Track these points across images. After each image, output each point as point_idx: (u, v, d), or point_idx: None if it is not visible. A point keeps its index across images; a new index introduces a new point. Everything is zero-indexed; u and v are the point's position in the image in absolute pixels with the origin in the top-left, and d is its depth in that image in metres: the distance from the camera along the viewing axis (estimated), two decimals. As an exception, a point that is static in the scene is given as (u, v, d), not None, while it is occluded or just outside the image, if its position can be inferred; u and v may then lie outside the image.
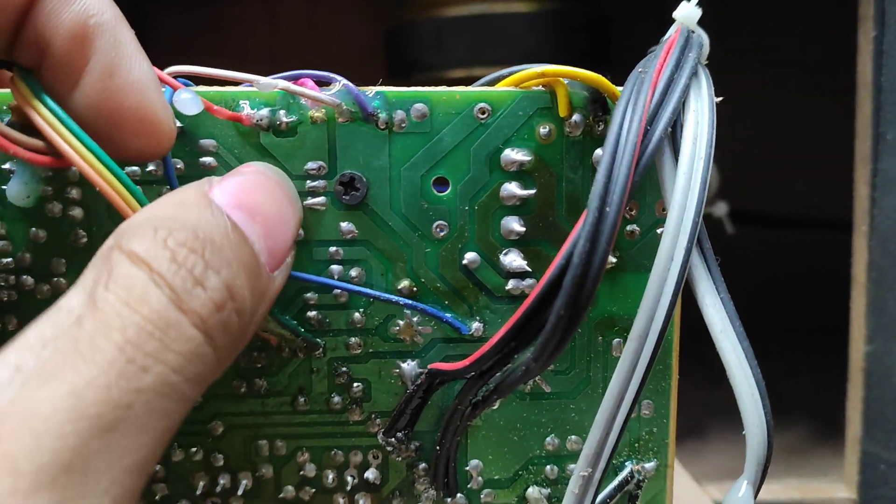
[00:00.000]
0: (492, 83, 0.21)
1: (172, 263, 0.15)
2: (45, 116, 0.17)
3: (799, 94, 0.47)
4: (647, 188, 0.21)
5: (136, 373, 0.14)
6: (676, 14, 0.22)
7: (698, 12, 0.22)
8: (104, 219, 0.21)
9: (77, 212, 0.20)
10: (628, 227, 0.21)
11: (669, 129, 0.19)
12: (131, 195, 0.18)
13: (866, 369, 0.30)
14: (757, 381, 0.18)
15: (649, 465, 0.22)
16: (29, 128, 0.18)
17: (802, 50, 0.48)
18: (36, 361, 0.14)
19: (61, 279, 0.21)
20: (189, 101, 0.19)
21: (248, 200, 0.18)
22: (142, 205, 0.18)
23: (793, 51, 0.48)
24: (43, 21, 0.17)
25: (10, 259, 0.21)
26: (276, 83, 0.20)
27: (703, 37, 0.21)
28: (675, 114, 0.19)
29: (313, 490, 0.22)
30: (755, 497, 0.18)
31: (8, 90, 0.19)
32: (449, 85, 0.44)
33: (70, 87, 0.18)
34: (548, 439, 0.22)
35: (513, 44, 0.43)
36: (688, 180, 0.19)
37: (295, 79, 0.20)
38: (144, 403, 0.14)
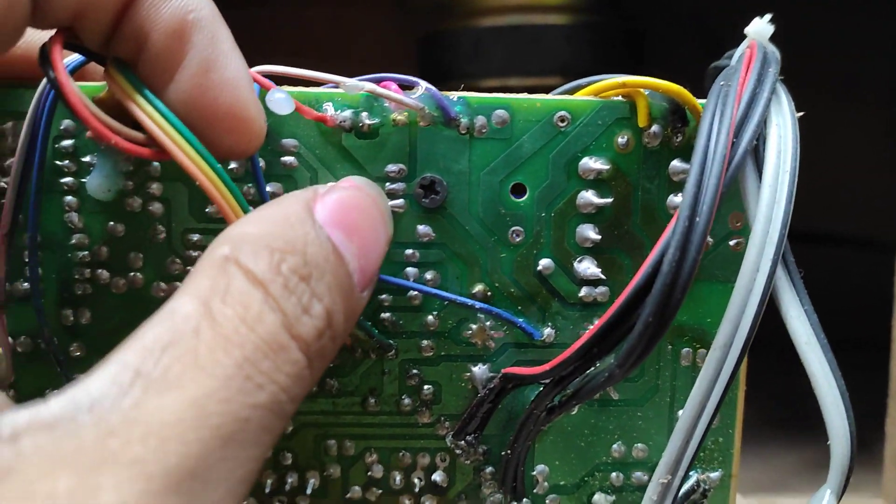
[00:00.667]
0: (571, 92, 0.22)
1: (285, 290, 0.15)
2: (147, 110, 0.17)
3: (846, 112, 0.48)
4: (721, 200, 0.21)
5: (252, 390, 0.14)
6: (749, 30, 0.22)
7: (771, 28, 0.22)
8: (184, 215, 0.21)
9: (157, 207, 0.20)
10: (704, 241, 0.21)
11: (754, 143, 0.19)
12: (230, 192, 0.18)
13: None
14: (841, 392, 0.18)
15: (714, 475, 0.22)
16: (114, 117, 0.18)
17: (851, 67, 0.48)
18: (156, 368, 0.14)
19: (137, 274, 0.21)
20: (283, 101, 0.19)
21: (347, 219, 0.18)
22: (238, 200, 0.18)
23: (840, 67, 0.48)
24: (143, 15, 0.17)
25: (86, 252, 0.21)
26: (362, 85, 0.20)
27: (777, 53, 0.22)
28: (760, 127, 0.19)
29: (380, 491, 0.22)
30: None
31: (97, 83, 0.19)
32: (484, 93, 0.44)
33: (165, 81, 0.18)
34: (614, 446, 0.22)
35: (549, 55, 0.43)
36: (773, 193, 0.19)
37: (378, 81, 0.20)
38: (259, 419, 0.14)
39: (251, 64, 0.20)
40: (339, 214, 0.18)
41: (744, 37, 0.22)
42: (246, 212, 0.18)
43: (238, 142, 0.18)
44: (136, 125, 0.18)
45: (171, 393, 0.13)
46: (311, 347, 0.16)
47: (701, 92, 0.21)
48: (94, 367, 0.14)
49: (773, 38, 0.24)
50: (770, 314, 0.19)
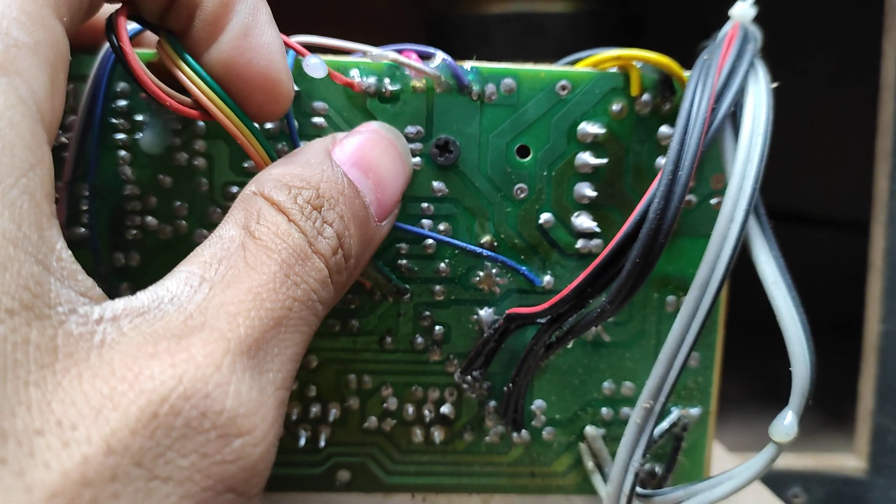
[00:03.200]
0: (572, 63, 0.24)
1: (302, 215, 0.19)
2: (190, 76, 0.20)
3: (818, 94, 0.50)
4: (704, 162, 0.24)
5: (292, 285, 0.18)
6: (732, 11, 0.25)
7: (753, 11, 0.25)
8: (225, 169, 0.23)
9: (201, 161, 0.23)
10: (686, 197, 0.24)
11: (732, 109, 0.22)
12: (262, 147, 0.21)
13: (880, 347, 0.33)
14: (803, 326, 0.21)
15: (694, 411, 0.25)
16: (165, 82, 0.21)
17: (823, 49, 0.51)
18: (216, 273, 0.17)
19: (182, 221, 0.23)
20: (317, 65, 0.22)
21: (363, 158, 0.21)
22: (270, 156, 0.21)
23: (813, 50, 0.51)
24: None
25: (137, 201, 0.23)
26: (386, 54, 0.22)
27: (757, 32, 0.24)
28: (738, 95, 0.22)
29: (394, 422, 0.25)
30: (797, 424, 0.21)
31: (150, 51, 0.22)
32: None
33: (210, 43, 0.20)
34: (605, 384, 0.25)
35: (552, 41, 0.46)
36: (747, 152, 0.21)
37: (400, 51, 0.23)
38: (299, 309, 0.18)
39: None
40: (355, 155, 0.20)
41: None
42: (273, 160, 0.21)
43: (267, 101, 0.20)
44: (184, 90, 0.20)
45: (232, 287, 0.17)
46: (329, 261, 0.19)
47: (687, 65, 0.23)
48: (166, 276, 0.17)
49: (757, 21, 0.27)
50: (750, 302, 0.21)
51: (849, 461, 0.35)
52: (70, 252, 0.16)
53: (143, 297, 0.16)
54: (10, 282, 0.14)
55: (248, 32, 0.20)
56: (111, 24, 0.20)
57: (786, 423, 0.20)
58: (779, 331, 0.21)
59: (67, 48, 0.18)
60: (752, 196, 0.21)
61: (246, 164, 0.23)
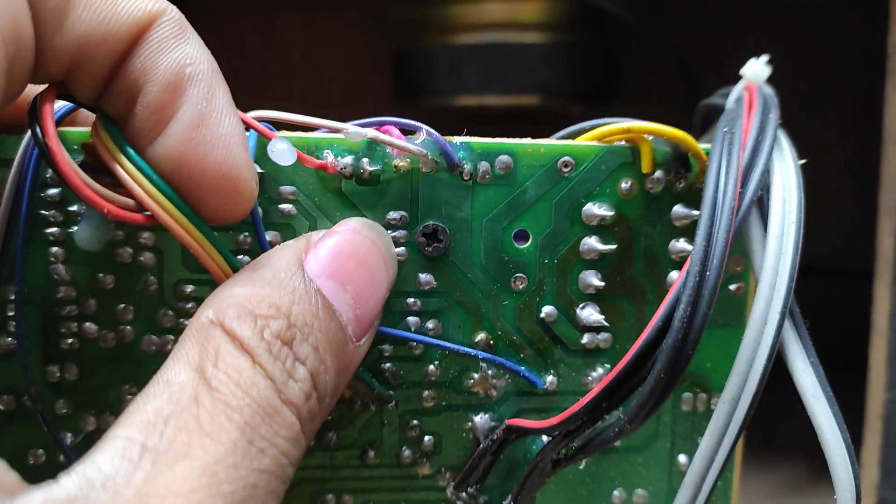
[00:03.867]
0: (572, 136, 0.21)
1: (270, 356, 0.16)
2: (132, 173, 0.17)
3: (823, 145, 0.49)
4: (726, 247, 0.21)
5: (256, 454, 0.15)
6: (745, 71, 0.22)
7: (768, 70, 0.22)
8: (177, 265, 0.20)
9: (148, 257, 0.20)
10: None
11: (759, 193, 0.19)
12: (220, 255, 0.17)
13: (885, 416, 0.31)
14: (847, 446, 0.18)
15: (713, 525, 0.22)
16: (100, 169, 0.17)
17: (826, 98, 0.49)
18: (161, 440, 0.14)
19: (128, 327, 0.20)
20: (285, 151, 0.18)
21: (342, 268, 0.18)
22: (230, 264, 0.18)
23: (816, 99, 0.49)
24: (138, 68, 0.17)
25: (73, 305, 0.20)
26: (364, 132, 0.19)
27: (774, 96, 0.22)
28: (765, 176, 0.19)
29: (379, 545, 0.22)
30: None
31: (84, 129, 0.19)
32: (459, 111, 0.44)
33: (155, 134, 0.17)
34: (615, 493, 0.22)
35: (526, 73, 0.43)
36: (779, 244, 0.19)
37: (379, 126, 0.20)
38: (266, 483, 0.15)
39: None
40: (332, 264, 0.18)
41: (705, 60, 0.22)
42: (233, 266, 0.18)
43: (226, 202, 0.17)
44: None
45: (182, 463, 0.14)
46: (301, 411, 0.16)
47: (677, 113, 0.21)
48: (96, 445, 0.14)
49: (742, 51, 0.25)
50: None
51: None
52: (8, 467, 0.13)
53: (68, 483, 0.13)
54: None
55: (202, 122, 0.17)
56: (34, 112, 0.16)
57: (833, 558, 0.18)
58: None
59: None
60: (788, 295, 0.18)
61: (202, 259, 0.20)
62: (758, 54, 0.23)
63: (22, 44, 0.15)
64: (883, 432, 0.32)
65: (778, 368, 0.19)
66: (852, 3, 0.37)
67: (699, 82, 0.44)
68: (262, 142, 0.19)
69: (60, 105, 0.19)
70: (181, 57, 0.17)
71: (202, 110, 0.17)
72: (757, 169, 0.19)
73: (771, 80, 0.22)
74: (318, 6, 0.53)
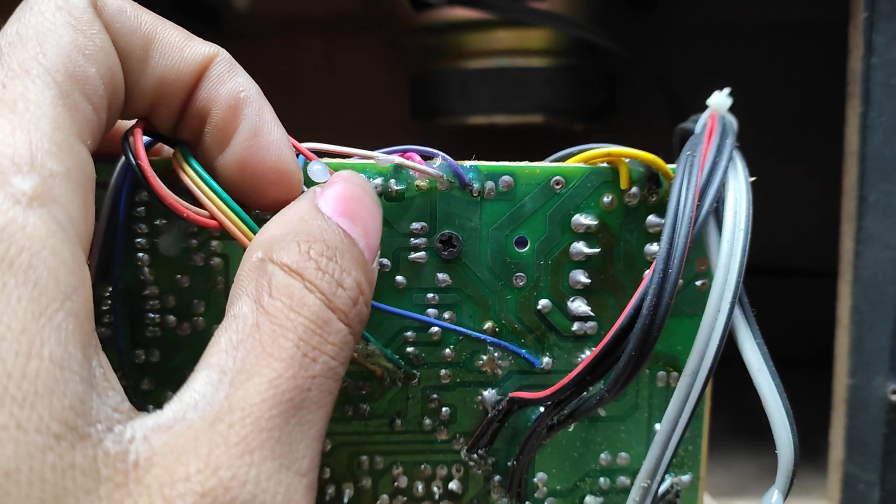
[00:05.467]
0: (563, 159, 0.26)
1: (318, 271, 0.19)
2: (204, 190, 0.21)
3: (785, 154, 0.53)
4: (689, 251, 0.25)
5: (309, 363, 0.18)
6: (710, 101, 0.27)
7: (729, 101, 0.27)
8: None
9: (216, 261, 0.24)
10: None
11: (714, 205, 0.23)
12: None
13: (848, 400, 0.35)
14: (786, 410, 0.22)
15: (685, 478, 0.26)
16: (179, 188, 0.22)
17: (790, 108, 0.53)
18: (234, 363, 0.17)
19: (200, 318, 0.24)
20: (320, 171, 0.23)
21: (348, 208, 0.21)
22: None
23: (781, 109, 0.53)
24: (204, 98, 0.21)
25: (156, 301, 0.24)
26: (391, 159, 0.24)
27: (734, 123, 0.26)
28: (720, 191, 0.24)
29: (405, 499, 0.26)
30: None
31: (163, 158, 0.23)
32: (470, 129, 0.48)
33: (223, 146, 0.21)
34: (602, 455, 0.26)
35: (531, 95, 0.47)
36: (730, 247, 0.23)
37: (403, 153, 0.24)
38: (318, 385, 0.18)
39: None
40: (340, 205, 0.21)
41: (694, 82, 0.26)
42: None
43: (282, 192, 0.22)
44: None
45: (252, 380, 0.17)
46: (349, 315, 0.19)
47: (666, 131, 0.25)
48: (192, 373, 0.18)
49: (726, 79, 0.29)
50: (732, 342, 0.23)
51: (821, 508, 0.37)
52: (106, 368, 0.17)
53: (169, 409, 0.17)
54: (58, 404, 0.15)
55: (258, 133, 0.21)
56: (127, 143, 0.21)
57: (773, 501, 0.22)
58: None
59: (93, 168, 0.19)
60: (737, 288, 0.23)
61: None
62: (741, 76, 0.27)
63: (116, 88, 0.20)
64: (847, 414, 0.35)
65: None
66: (824, 30, 0.41)
67: (685, 103, 0.48)
68: (306, 164, 0.23)
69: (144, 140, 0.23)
70: (235, 86, 0.21)
71: (257, 123, 0.21)
72: (713, 185, 0.23)
73: (750, 100, 0.26)
74: (338, 32, 0.57)
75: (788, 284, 0.52)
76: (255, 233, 0.21)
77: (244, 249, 0.22)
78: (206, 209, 0.21)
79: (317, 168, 0.23)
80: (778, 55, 0.54)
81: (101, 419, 0.16)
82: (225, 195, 0.21)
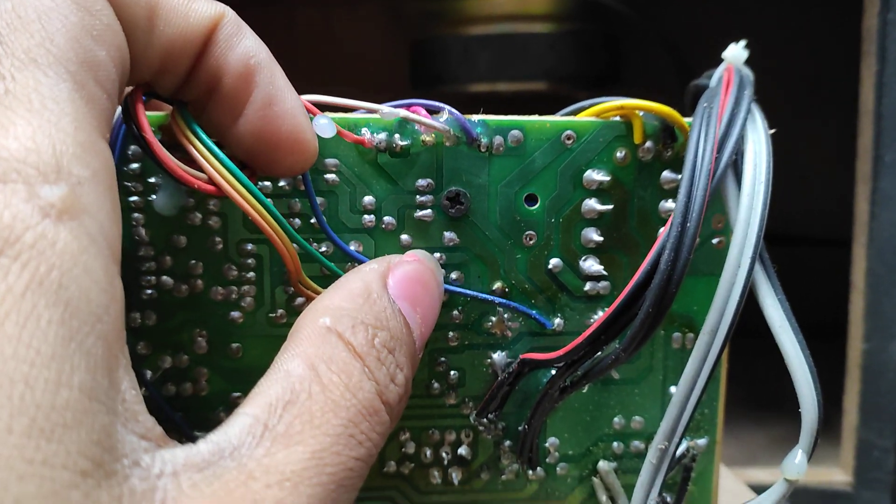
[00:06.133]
0: (575, 112, 0.25)
1: (378, 361, 0.19)
2: (200, 149, 0.20)
3: (797, 116, 0.52)
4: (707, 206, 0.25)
5: (355, 446, 0.17)
6: (726, 55, 0.26)
7: (745, 53, 0.26)
8: (238, 227, 0.23)
9: (214, 220, 0.23)
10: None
11: (734, 158, 0.23)
12: (271, 216, 0.21)
13: (863, 365, 0.35)
14: (810, 367, 0.22)
15: (702, 442, 0.26)
16: (174, 145, 0.21)
17: (801, 69, 0.52)
18: (280, 423, 0.17)
19: (198, 280, 0.23)
20: (326, 125, 0.22)
21: (413, 292, 0.21)
22: (280, 225, 0.21)
23: (795, 72, 0.52)
24: (213, 64, 0.20)
25: (152, 262, 0.23)
26: (397, 112, 0.23)
27: (751, 75, 0.25)
28: (738, 144, 0.23)
29: (413, 465, 0.25)
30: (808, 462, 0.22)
31: (160, 112, 0.22)
32: (472, 97, 0.47)
33: (236, 115, 0.20)
34: (615, 419, 0.26)
35: (534, 61, 0.46)
36: (751, 200, 0.22)
37: (408, 107, 0.23)
38: (359, 469, 0.18)
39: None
40: (406, 288, 0.21)
41: (702, 45, 0.25)
42: (285, 228, 0.21)
43: (297, 160, 0.21)
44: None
45: (296, 447, 0.17)
46: (394, 410, 0.19)
47: (673, 96, 0.24)
48: (228, 419, 0.17)
49: (726, 33, 0.28)
50: (747, 313, 0.22)
51: (836, 475, 0.36)
52: (135, 390, 0.16)
53: (204, 448, 0.16)
54: (85, 438, 0.14)
55: (272, 101, 0.20)
56: (128, 111, 0.20)
57: (796, 461, 0.21)
58: (764, 334, 0.22)
59: (114, 164, 0.17)
60: (758, 243, 0.22)
61: (260, 221, 0.23)
62: (749, 39, 0.26)
63: (125, 66, 0.19)
64: (862, 379, 0.35)
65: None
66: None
67: (693, 66, 0.47)
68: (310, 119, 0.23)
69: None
70: (245, 51, 0.20)
71: (270, 92, 0.20)
72: (731, 137, 0.23)
73: (759, 61, 0.25)
74: (336, 1, 0.56)
75: (799, 253, 0.51)
76: (258, 200, 0.20)
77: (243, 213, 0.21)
78: (207, 174, 0.20)
79: (323, 123, 0.22)
80: (788, 13, 0.53)
81: (128, 452, 0.15)
82: (228, 162, 0.20)
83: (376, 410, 0.18)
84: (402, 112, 0.23)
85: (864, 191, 0.34)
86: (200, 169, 0.20)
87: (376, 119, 0.23)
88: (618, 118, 0.24)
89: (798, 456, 0.21)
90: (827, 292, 0.39)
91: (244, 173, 0.21)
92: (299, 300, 0.24)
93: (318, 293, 0.23)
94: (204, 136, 0.20)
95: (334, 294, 0.20)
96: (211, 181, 0.20)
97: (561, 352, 0.23)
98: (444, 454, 0.25)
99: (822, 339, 0.40)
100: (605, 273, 0.24)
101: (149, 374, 0.24)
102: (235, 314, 0.24)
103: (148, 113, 0.22)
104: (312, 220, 0.23)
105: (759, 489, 0.35)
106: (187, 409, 0.24)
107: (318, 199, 0.23)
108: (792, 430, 0.40)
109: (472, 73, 0.47)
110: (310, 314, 0.19)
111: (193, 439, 0.16)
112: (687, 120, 0.24)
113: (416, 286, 0.21)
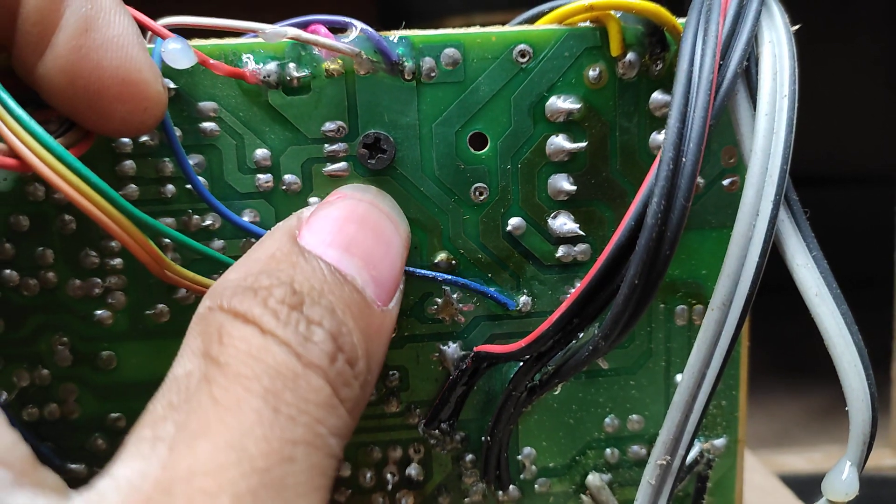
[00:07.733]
0: (531, 20, 0.19)
1: (278, 321, 0.14)
2: (5, 119, 0.14)
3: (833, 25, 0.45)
4: (711, 135, 0.19)
5: (286, 423, 0.13)
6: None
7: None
8: (94, 200, 0.18)
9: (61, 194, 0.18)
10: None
11: (745, 64, 0.17)
12: (112, 205, 0.15)
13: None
14: (859, 350, 0.16)
15: (719, 442, 0.20)
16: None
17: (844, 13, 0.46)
18: (174, 426, 0.13)
19: (50, 272, 0.18)
20: (178, 51, 0.16)
21: (341, 235, 0.16)
22: (125, 214, 0.15)
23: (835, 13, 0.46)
24: None
25: (-13, 252, 0.18)
26: (284, 31, 0.17)
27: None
28: (750, 45, 0.17)
29: (349, 491, 0.20)
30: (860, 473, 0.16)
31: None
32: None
33: (42, 47, 0.15)
34: (606, 420, 0.20)
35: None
36: (771, 122, 0.16)
37: (304, 25, 0.18)
38: (305, 456, 0.13)
39: (194, 12, 0.17)
40: (329, 234, 0.16)
41: None
42: (117, 205, 0.15)
43: (132, 110, 0.16)
44: None
45: (201, 440, 0.12)
46: (328, 373, 0.14)
47: (681, 12, 0.18)
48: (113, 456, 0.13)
49: None
50: (770, 264, 0.16)
51: (885, 458, 0.31)
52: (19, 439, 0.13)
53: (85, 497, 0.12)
54: None
55: (89, 26, 0.15)
56: None
57: (844, 478, 0.16)
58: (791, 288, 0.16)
59: None
60: (782, 180, 0.16)
61: (122, 191, 0.18)
62: None
63: None
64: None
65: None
66: None
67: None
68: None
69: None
70: None
71: (87, 13, 0.15)
72: (741, 37, 0.17)
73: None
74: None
75: (838, 196, 0.44)
76: (79, 176, 0.15)
77: (105, 167, 0.16)
78: (6, 142, 0.15)
79: (173, 48, 0.16)
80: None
81: None
82: (27, 120, 0.15)
83: (298, 374, 0.14)
84: (292, 31, 0.17)
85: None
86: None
87: (262, 44, 0.17)
88: (587, 23, 0.18)
89: (846, 471, 0.16)
90: (873, 241, 0.33)
91: (71, 134, 0.15)
92: (182, 290, 0.18)
93: (198, 281, 0.17)
94: (9, 102, 0.15)
95: (228, 271, 0.16)
96: (12, 152, 0.15)
97: (523, 342, 0.17)
98: (388, 476, 0.20)
99: (868, 295, 0.34)
100: (581, 233, 0.19)
101: (3, 395, 0.19)
102: (102, 313, 0.18)
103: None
104: (188, 186, 0.18)
105: (793, 481, 0.30)
106: (57, 436, 0.19)
107: (196, 157, 0.18)
108: (831, 401, 0.33)
109: (444, 6, 0.42)
110: (198, 307, 0.15)
111: (68, 473, 0.14)
112: (681, 21, 0.18)
113: (344, 226, 0.16)
